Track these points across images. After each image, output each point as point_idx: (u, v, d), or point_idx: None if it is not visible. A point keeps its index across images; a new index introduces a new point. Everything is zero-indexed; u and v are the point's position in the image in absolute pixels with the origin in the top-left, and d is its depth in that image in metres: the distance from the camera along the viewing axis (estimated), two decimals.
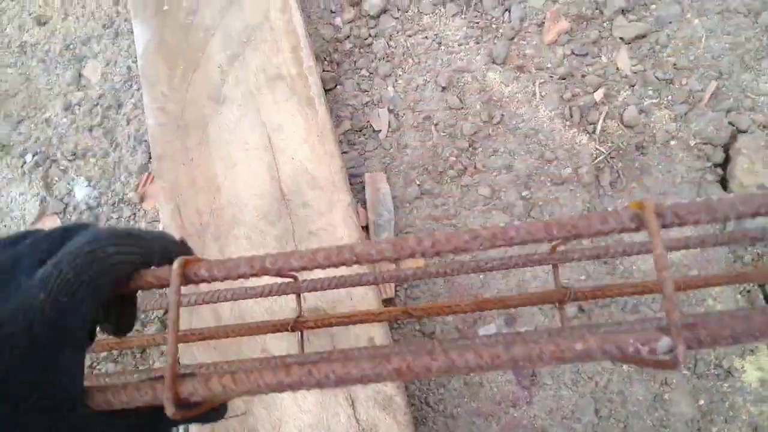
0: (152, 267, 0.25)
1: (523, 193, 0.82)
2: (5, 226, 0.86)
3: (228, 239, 0.75)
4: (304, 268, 0.27)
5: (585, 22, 0.93)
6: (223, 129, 0.80)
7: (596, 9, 0.93)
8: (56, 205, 0.85)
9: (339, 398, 0.67)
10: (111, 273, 0.23)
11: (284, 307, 0.71)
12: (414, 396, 0.75)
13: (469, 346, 0.58)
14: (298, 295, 0.59)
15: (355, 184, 0.84)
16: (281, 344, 0.70)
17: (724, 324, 0.23)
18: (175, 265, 0.24)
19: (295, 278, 0.49)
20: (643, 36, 0.90)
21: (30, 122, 0.90)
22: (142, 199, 0.85)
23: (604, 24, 0.92)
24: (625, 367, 0.74)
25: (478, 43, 0.92)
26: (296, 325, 0.53)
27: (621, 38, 0.91)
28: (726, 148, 0.85)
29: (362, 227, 0.81)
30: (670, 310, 0.22)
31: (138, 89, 0.90)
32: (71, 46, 0.98)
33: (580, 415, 0.71)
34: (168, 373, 0.23)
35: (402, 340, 0.77)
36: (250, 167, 0.78)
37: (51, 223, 0.84)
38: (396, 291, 0.78)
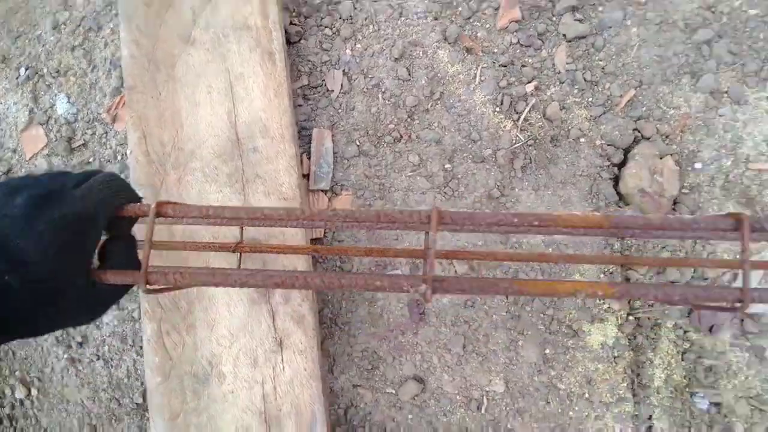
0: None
1: (446, 166, 0.96)
2: (1, 129, 0.97)
3: (186, 170, 0.88)
4: (249, 220, 0.43)
5: (537, 13, 1.01)
6: (190, 70, 0.89)
7: (550, 1, 1.00)
8: (41, 117, 0.96)
9: (263, 310, 0.84)
10: (117, 199, 0.42)
11: (227, 234, 0.86)
12: (326, 317, 0.94)
13: (338, 274, 0.75)
14: (241, 227, 0.75)
15: (304, 136, 0.96)
16: (222, 263, 0.86)
17: (460, 284, 0.40)
18: (153, 205, 0.41)
19: None
20: (583, 37, 0.99)
21: (25, 38, 0.97)
22: (113, 120, 0.96)
23: (553, 18, 1.00)
24: (494, 315, 0.93)
25: (436, 18, 0.99)
26: (236, 248, 0.69)
27: (564, 35, 1.00)
28: (627, 151, 0.99)
29: (304, 175, 0.95)
30: (428, 271, 0.39)
31: (117, 14, 0.97)
32: None
33: (451, 347, 0.92)
34: (144, 267, 0.41)
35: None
36: (212, 109, 0.89)
37: (36, 131, 0.95)
38: (325, 233, 0.94)
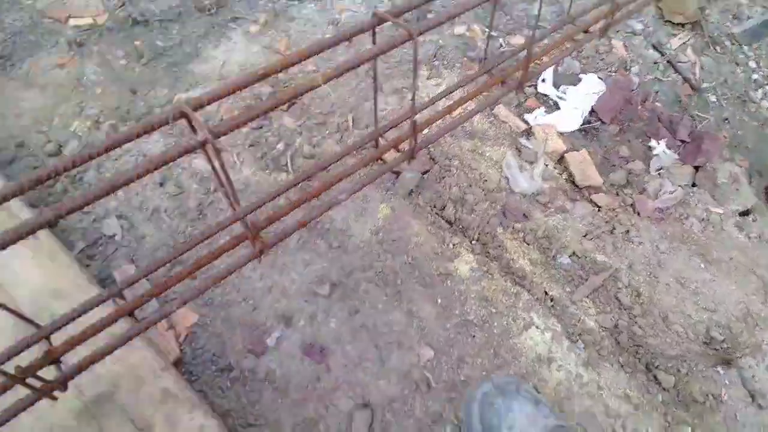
0: None
1: None
2: None
3: None
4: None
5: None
6: None
7: (257, 99, 1.25)
8: None
9: None
10: None
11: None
12: (235, 427, 0.80)
13: None
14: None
15: (111, 283, 0.91)
16: None
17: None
18: None
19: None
20: (294, 103, 1.26)
21: None
22: None
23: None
24: (379, 305, 0.94)
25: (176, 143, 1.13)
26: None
27: (282, 109, 1.24)
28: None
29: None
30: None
31: None
32: None
33: (366, 356, 0.88)
34: None
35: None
36: None
37: None
38: (181, 348, 0.85)
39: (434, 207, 1.15)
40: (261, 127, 1.20)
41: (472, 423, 0.76)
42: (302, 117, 1.24)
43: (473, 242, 1.10)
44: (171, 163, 0.99)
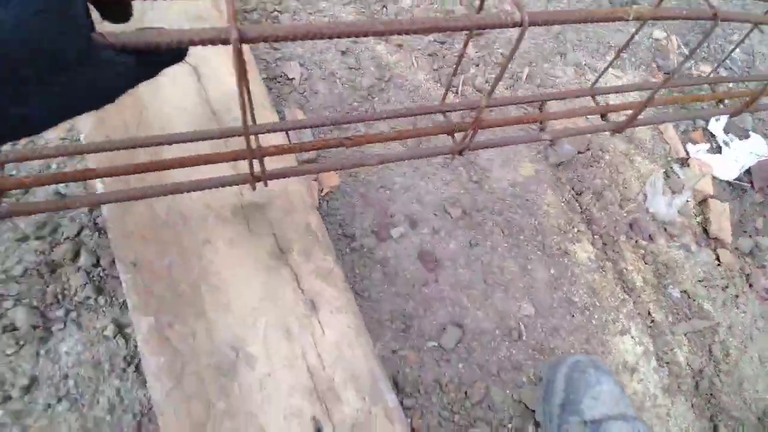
0: None
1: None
2: None
3: (161, 148, 0.78)
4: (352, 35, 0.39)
5: None
6: None
7: (448, 13, 1.24)
8: None
9: (283, 274, 0.73)
10: None
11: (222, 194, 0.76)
12: None
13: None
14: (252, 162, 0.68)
15: (281, 119, 0.95)
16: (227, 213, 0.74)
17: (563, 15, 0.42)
18: None
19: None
20: (481, 33, 1.24)
21: None
22: None
23: None
24: (499, 248, 0.95)
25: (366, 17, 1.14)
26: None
27: (467, 34, 1.23)
28: (540, 108, 1.20)
29: None
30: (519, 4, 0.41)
31: None
32: None
33: (473, 285, 0.90)
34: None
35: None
36: (176, 90, 0.83)
37: None
38: (319, 201, 0.90)
39: (573, 188, 1.13)
40: (444, 43, 1.19)
41: (555, 383, 0.77)
42: (483, 51, 1.22)
43: (595, 236, 1.09)
44: (355, 41, 0.99)
